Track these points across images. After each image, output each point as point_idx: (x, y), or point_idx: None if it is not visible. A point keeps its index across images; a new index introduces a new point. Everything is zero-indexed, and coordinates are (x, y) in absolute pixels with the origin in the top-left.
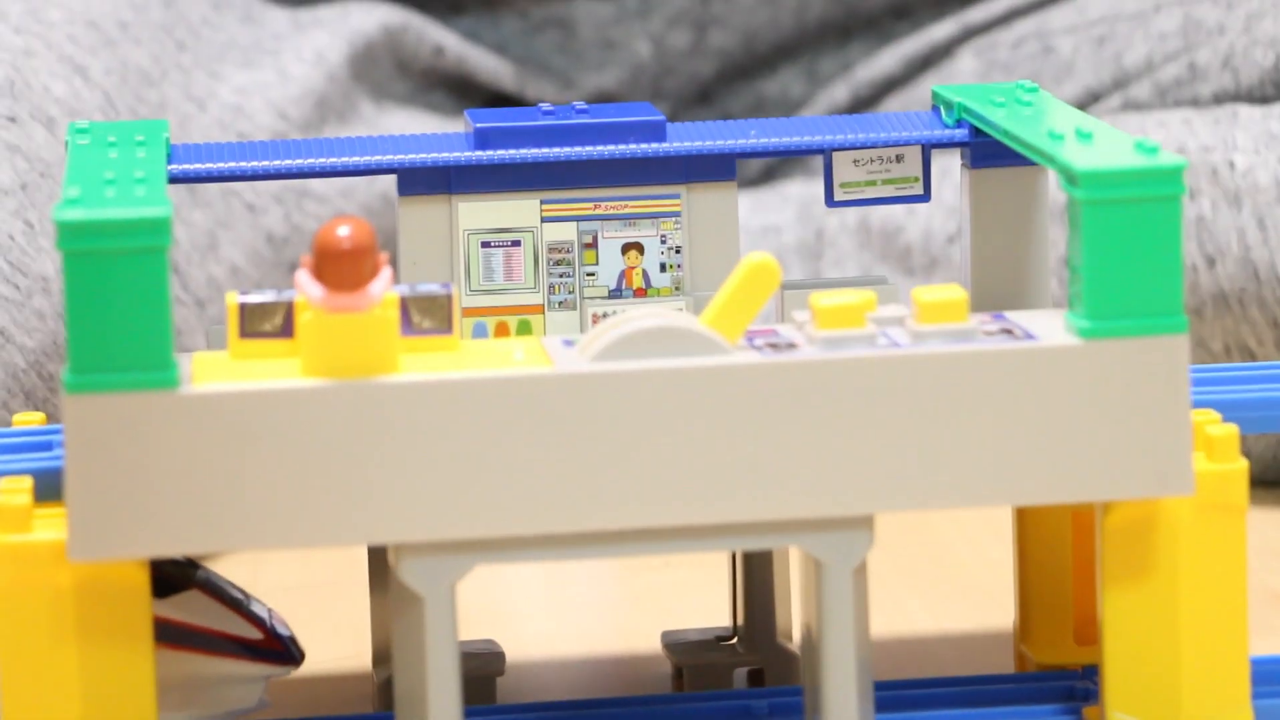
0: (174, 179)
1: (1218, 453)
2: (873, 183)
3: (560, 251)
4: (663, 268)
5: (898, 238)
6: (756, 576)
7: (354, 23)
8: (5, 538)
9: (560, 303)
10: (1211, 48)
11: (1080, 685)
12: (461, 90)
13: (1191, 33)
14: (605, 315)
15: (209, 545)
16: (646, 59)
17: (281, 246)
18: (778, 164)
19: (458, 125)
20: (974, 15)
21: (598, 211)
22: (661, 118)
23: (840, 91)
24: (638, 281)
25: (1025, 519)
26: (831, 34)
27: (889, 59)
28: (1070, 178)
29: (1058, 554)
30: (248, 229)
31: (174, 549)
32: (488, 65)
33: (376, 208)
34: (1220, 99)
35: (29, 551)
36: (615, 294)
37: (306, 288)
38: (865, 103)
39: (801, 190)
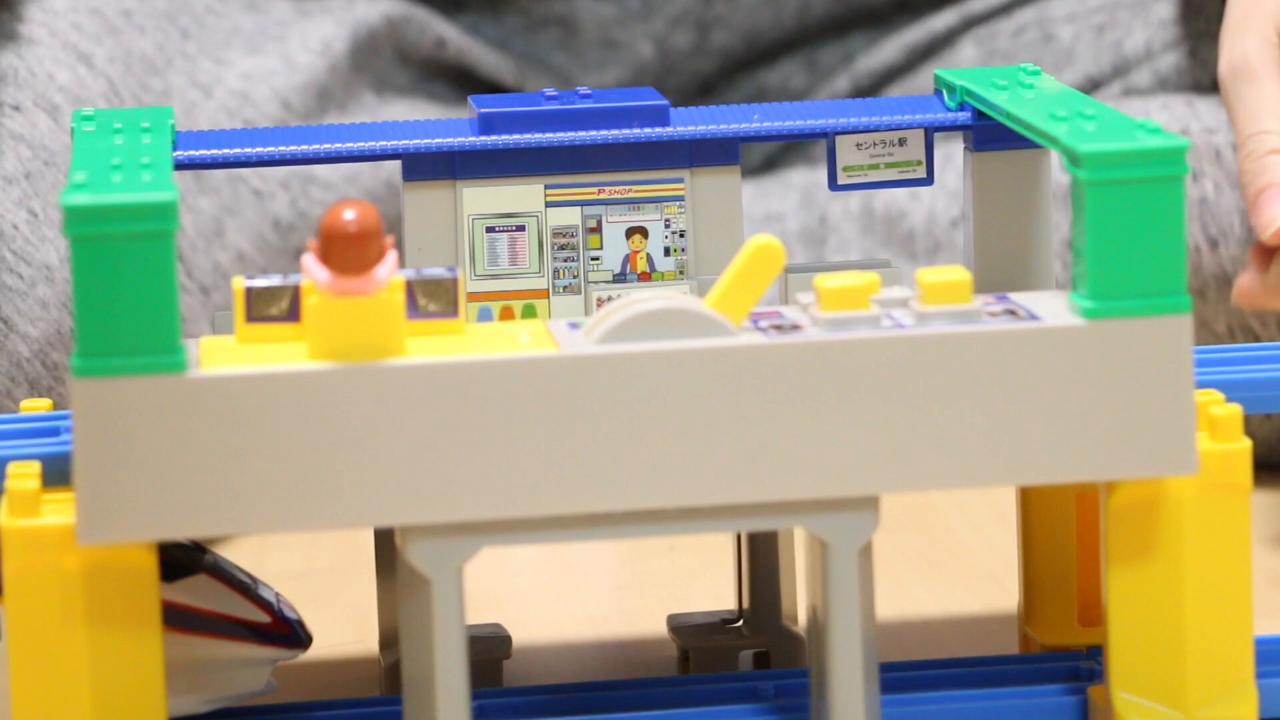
0: (179, 165)
1: (1221, 433)
2: (875, 166)
3: (565, 236)
4: (667, 252)
5: (901, 222)
6: (761, 559)
7: (358, 12)
8: (14, 522)
9: (565, 287)
10: (1212, 35)
11: (1085, 666)
12: (463, 83)
13: (1191, 20)
14: (610, 299)
15: (217, 529)
16: (648, 58)
17: (288, 232)
18: (780, 152)
19: (460, 115)
20: (975, 4)
21: (602, 196)
22: (665, 102)
23: (841, 82)
24: (642, 265)
25: (1029, 500)
26: (832, 27)
27: (890, 49)
28: (1073, 159)
29: (1062, 535)
30: (255, 215)
31: (182, 532)
32: (488, 60)
33: (381, 194)
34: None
35: (38, 536)
36: (619, 278)
37: (313, 271)
38: (866, 93)
39: (804, 177)
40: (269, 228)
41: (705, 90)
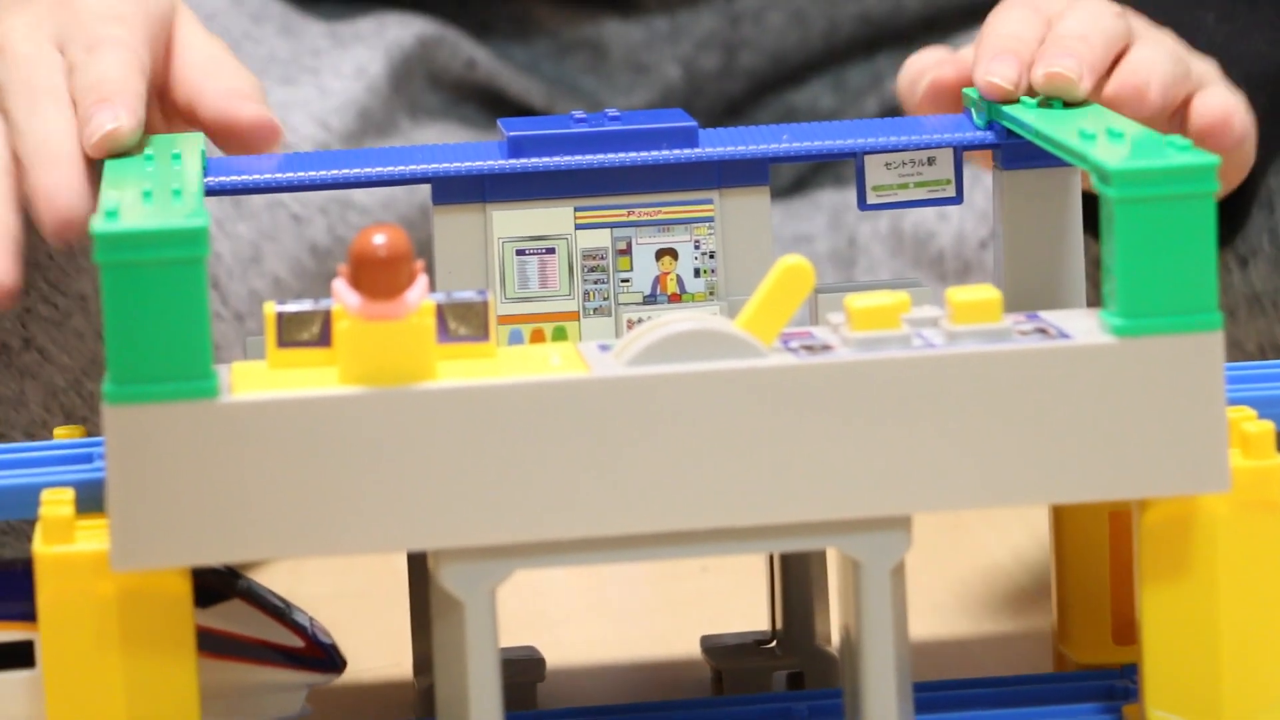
0: (210, 191)
1: (1254, 449)
2: (905, 186)
3: (595, 258)
4: (696, 273)
5: (930, 244)
6: (795, 580)
7: (391, 35)
8: (49, 549)
9: (595, 309)
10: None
11: (1120, 684)
12: (493, 105)
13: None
14: (640, 321)
15: (250, 554)
16: (676, 81)
17: (324, 258)
18: (809, 173)
19: (490, 139)
20: None
21: (631, 218)
22: (693, 124)
23: (870, 102)
24: (672, 287)
25: (1062, 519)
26: (860, 48)
27: None
28: (1103, 176)
29: (1095, 554)
30: (292, 241)
31: (215, 558)
32: (518, 84)
33: (417, 220)
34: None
35: (72, 563)
36: (650, 300)
37: (344, 296)
38: (895, 113)
39: (833, 198)
40: (306, 253)
41: (733, 112)
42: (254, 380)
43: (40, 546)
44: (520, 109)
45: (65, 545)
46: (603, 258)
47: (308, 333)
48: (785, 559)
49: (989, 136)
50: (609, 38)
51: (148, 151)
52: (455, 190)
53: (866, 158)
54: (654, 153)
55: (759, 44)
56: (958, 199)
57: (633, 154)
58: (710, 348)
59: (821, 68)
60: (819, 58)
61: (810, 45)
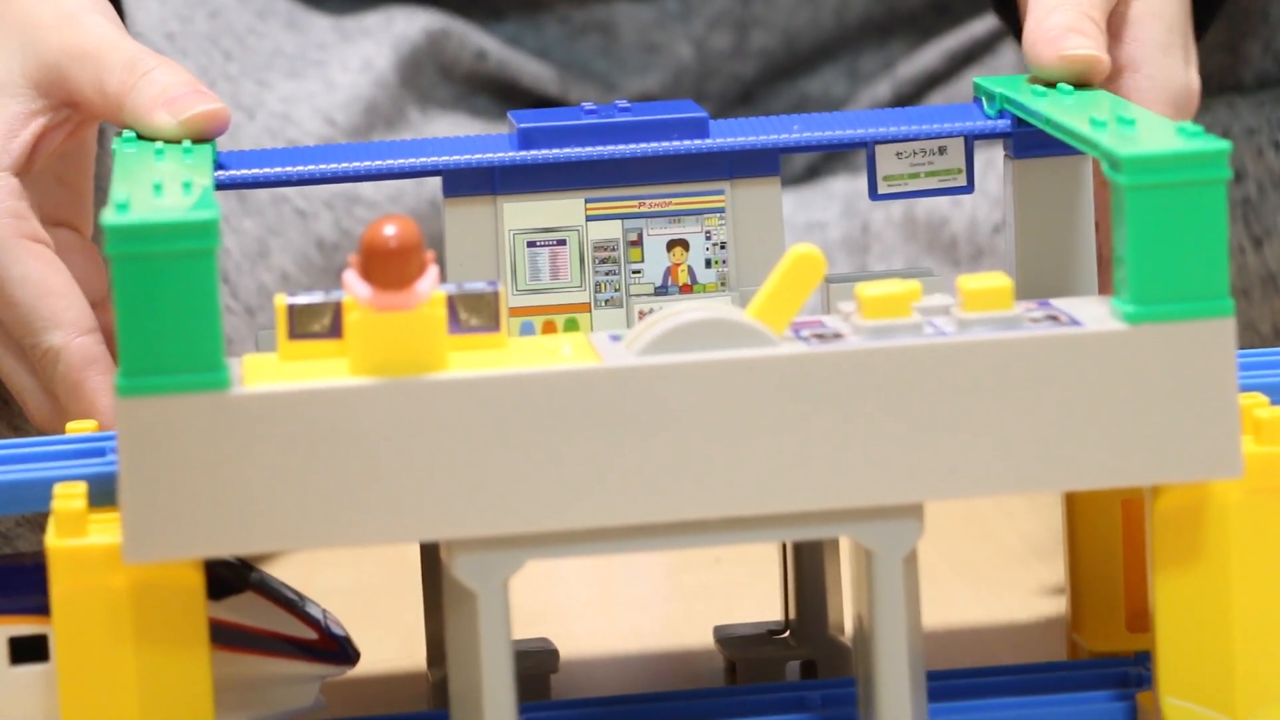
0: (220, 185)
1: (1266, 436)
2: (916, 175)
3: (605, 250)
4: (708, 264)
5: (943, 229)
6: (807, 570)
7: (398, 29)
8: (62, 542)
9: (606, 300)
10: (1255, 34)
11: (1133, 671)
12: (505, 95)
13: (1237, 20)
14: (651, 312)
15: (263, 545)
16: (688, 61)
17: (331, 252)
18: (821, 161)
19: (502, 130)
20: None
21: (642, 209)
22: (704, 114)
23: (882, 89)
24: (683, 278)
25: (1075, 507)
26: (872, 32)
27: (931, 55)
28: (1114, 163)
29: (1108, 541)
30: (298, 235)
31: (228, 550)
32: (530, 70)
33: (425, 213)
34: (1264, 83)
35: (85, 555)
36: (661, 291)
37: (354, 287)
38: (907, 100)
39: (846, 186)
40: (313, 248)
41: (747, 99)
42: (265, 372)
43: (53, 540)
44: (532, 97)
45: (78, 538)
46: (614, 249)
47: (319, 324)
48: (798, 548)
49: (1000, 125)
50: (620, 19)
51: (158, 145)
52: (466, 182)
53: (877, 147)
54: (665, 143)
55: (770, 21)
56: (969, 188)
57: (643, 145)
58: (721, 337)
59: (833, 52)
60: (831, 39)
61: (821, 23)
